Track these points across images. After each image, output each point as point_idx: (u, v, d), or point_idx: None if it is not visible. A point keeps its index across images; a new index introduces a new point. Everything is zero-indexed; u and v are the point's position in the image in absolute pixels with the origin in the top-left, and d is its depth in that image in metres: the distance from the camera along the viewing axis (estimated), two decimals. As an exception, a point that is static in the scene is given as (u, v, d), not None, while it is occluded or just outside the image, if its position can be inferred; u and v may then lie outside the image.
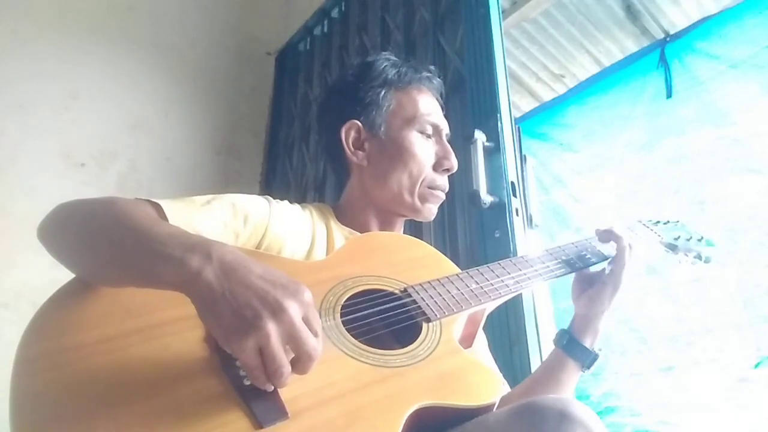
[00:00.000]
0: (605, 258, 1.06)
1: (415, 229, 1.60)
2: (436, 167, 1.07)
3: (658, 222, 1.22)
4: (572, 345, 1.02)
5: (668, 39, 2.75)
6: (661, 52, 2.71)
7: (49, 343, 0.65)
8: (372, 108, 1.08)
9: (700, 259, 1.20)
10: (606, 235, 1.07)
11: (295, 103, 2.74)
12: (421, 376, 0.72)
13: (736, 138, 2.30)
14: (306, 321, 0.62)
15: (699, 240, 1.22)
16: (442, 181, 1.08)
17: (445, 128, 1.12)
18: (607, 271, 1.04)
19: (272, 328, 0.59)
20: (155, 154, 2.46)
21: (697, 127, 2.43)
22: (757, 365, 2.00)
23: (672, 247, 1.20)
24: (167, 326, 0.66)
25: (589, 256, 1.05)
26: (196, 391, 0.63)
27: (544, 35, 2.95)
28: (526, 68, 3.16)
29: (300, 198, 2.37)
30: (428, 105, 1.11)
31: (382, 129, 1.07)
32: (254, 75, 2.93)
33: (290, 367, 0.61)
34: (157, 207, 0.80)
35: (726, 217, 2.20)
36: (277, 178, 2.67)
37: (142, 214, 0.74)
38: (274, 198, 0.99)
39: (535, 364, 1.27)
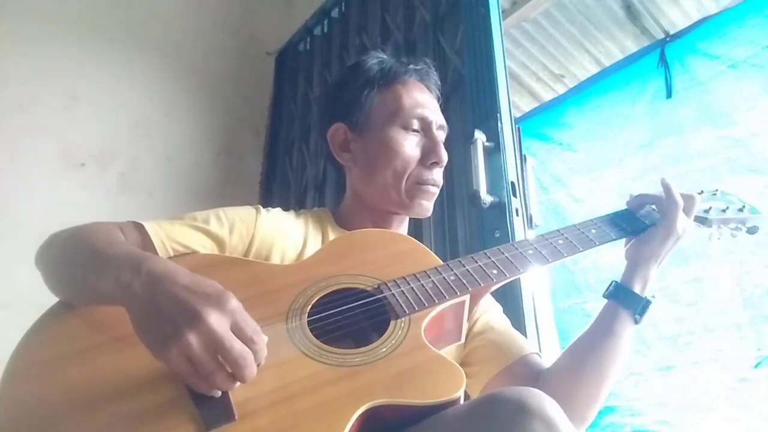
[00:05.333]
0: (611, 238, 1.00)
1: (415, 229, 1.60)
2: (424, 161, 1.04)
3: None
4: (619, 291, 0.96)
5: (668, 39, 2.75)
6: (661, 52, 2.70)
7: (29, 357, 0.72)
8: (354, 109, 1.07)
9: (742, 230, 1.09)
10: (641, 199, 1.05)
11: (295, 103, 2.73)
12: (377, 375, 0.71)
13: (736, 138, 2.29)
14: (235, 328, 0.63)
15: (740, 209, 1.09)
16: (432, 175, 1.04)
17: (435, 120, 1.07)
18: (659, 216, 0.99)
19: (191, 337, 0.61)
20: (156, 154, 2.46)
21: (697, 127, 2.43)
22: (757, 365, 2.00)
23: (702, 220, 1.07)
24: (133, 337, 0.67)
25: (592, 235, 0.99)
26: (154, 397, 0.67)
27: (544, 35, 2.94)
28: (526, 68, 3.15)
29: (300, 198, 2.37)
30: (413, 98, 1.06)
31: (365, 129, 1.06)
32: (254, 75, 2.93)
33: (225, 372, 0.62)
34: (140, 227, 0.84)
35: (726, 217, 2.20)
36: (277, 178, 2.67)
37: (105, 238, 0.79)
38: (272, 203, 1.00)
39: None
